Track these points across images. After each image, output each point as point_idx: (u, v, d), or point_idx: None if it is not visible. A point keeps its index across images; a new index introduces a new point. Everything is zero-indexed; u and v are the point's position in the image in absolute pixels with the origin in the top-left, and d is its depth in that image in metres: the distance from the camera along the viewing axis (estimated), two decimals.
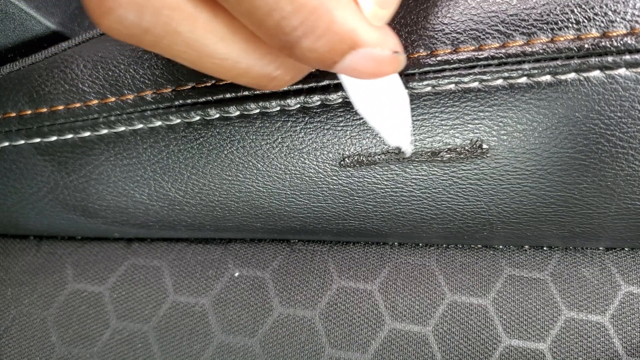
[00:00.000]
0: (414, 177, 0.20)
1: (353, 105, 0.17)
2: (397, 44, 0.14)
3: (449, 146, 0.19)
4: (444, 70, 0.17)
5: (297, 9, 0.12)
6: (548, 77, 0.17)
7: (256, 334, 0.25)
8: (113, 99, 0.20)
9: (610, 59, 0.16)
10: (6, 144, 0.22)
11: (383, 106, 0.16)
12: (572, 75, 0.16)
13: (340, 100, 0.18)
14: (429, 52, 0.17)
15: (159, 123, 0.20)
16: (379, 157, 0.19)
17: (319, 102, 0.18)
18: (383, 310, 0.24)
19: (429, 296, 0.24)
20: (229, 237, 0.26)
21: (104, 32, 0.13)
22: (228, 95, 0.19)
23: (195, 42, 0.13)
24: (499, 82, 0.17)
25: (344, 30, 0.13)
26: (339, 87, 0.18)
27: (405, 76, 0.17)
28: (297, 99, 0.18)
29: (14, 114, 0.21)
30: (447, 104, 0.18)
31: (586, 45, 0.16)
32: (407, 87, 0.18)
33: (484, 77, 0.17)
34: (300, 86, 0.18)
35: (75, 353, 0.25)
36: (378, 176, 0.20)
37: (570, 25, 0.16)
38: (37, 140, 0.22)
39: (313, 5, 0.12)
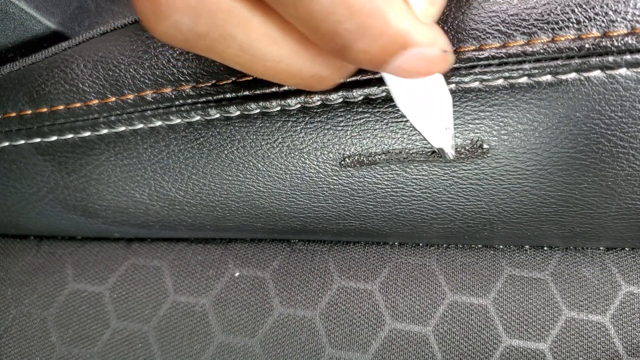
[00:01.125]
0: (414, 177, 0.20)
1: (397, 104, 0.17)
2: (447, 42, 0.14)
3: None
4: None
5: (354, 13, 0.12)
6: (549, 77, 0.17)
7: (256, 334, 0.25)
8: (113, 99, 0.20)
9: (611, 58, 0.16)
10: (6, 143, 0.22)
11: (426, 107, 0.16)
12: (573, 75, 0.16)
13: (340, 100, 0.18)
14: None
15: (159, 123, 0.20)
16: (380, 157, 0.19)
17: (319, 102, 0.18)
18: (383, 310, 0.24)
19: (430, 296, 0.24)
20: (229, 237, 0.26)
21: (158, 38, 0.13)
22: (228, 96, 0.19)
23: (249, 46, 0.13)
24: (500, 82, 0.17)
25: (397, 31, 0.13)
26: (339, 87, 0.18)
27: None
28: (298, 98, 0.18)
29: (14, 114, 0.21)
30: None
31: (587, 45, 0.16)
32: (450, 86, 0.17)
33: (485, 77, 0.17)
34: None
35: (75, 353, 0.25)
36: (378, 176, 0.20)
37: (571, 25, 0.16)
38: (37, 140, 0.22)
39: (369, 8, 0.12)
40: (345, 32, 0.12)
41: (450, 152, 0.18)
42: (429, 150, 0.19)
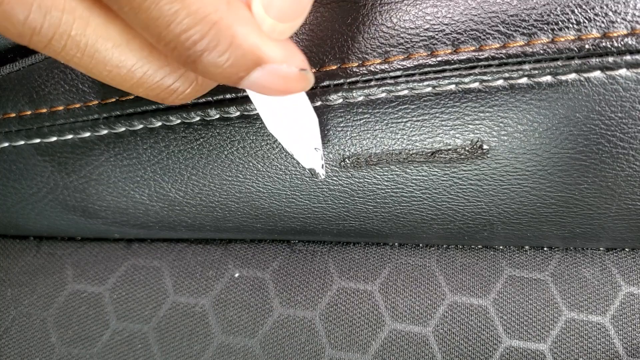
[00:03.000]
0: (414, 177, 0.20)
1: (265, 125, 0.17)
2: (304, 61, 0.14)
3: (449, 147, 0.19)
4: (444, 70, 0.17)
5: (197, 23, 0.12)
6: (549, 78, 0.17)
7: (256, 335, 0.25)
8: (113, 100, 0.20)
9: (610, 59, 0.16)
10: (6, 144, 0.22)
11: (292, 127, 0.16)
12: (573, 75, 0.16)
13: (340, 100, 0.18)
14: (429, 53, 0.17)
15: (159, 123, 0.20)
16: (379, 157, 0.19)
17: (319, 103, 0.18)
18: (383, 311, 0.24)
19: (430, 297, 0.24)
20: (229, 237, 0.26)
21: None
22: (228, 96, 0.19)
23: (88, 47, 0.13)
24: (500, 82, 0.17)
25: (246, 45, 0.12)
26: (338, 88, 0.18)
27: (406, 76, 0.17)
28: None
29: (13, 115, 0.21)
30: (448, 105, 0.18)
31: (587, 46, 0.16)
32: (316, 109, 0.18)
33: (485, 78, 0.17)
34: None
35: (75, 354, 0.25)
36: (378, 177, 0.20)
37: (570, 25, 0.16)
38: (37, 140, 0.22)
39: (213, 19, 0.12)
40: (190, 43, 0.12)
41: (321, 172, 0.18)
42: (429, 150, 0.19)
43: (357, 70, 0.18)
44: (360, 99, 0.18)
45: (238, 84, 0.13)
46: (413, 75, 0.17)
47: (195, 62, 0.12)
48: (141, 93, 0.15)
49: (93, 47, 0.13)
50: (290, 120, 0.16)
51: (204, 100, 0.19)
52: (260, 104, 0.16)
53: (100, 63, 0.13)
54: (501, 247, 0.25)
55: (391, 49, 0.17)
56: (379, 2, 0.18)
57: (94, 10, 0.13)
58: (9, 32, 0.12)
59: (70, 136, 0.21)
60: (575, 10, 0.16)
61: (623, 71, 0.16)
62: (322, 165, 0.18)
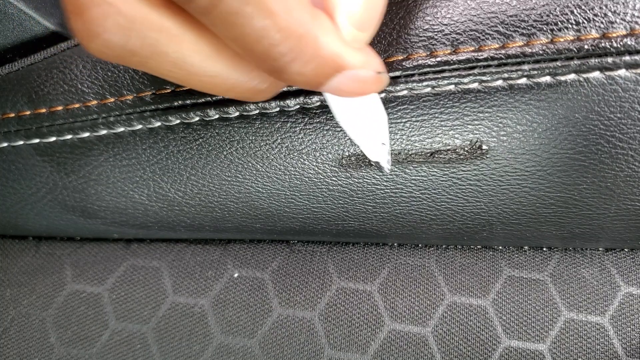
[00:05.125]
0: (413, 177, 0.20)
1: (336, 119, 0.17)
2: (381, 64, 0.15)
3: (448, 147, 0.19)
4: (443, 71, 0.17)
5: (286, 37, 0.12)
6: (548, 78, 0.17)
7: (255, 335, 0.25)
8: (112, 100, 0.20)
9: (610, 60, 0.16)
10: (5, 144, 0.22)
11: (363, 123, 0.17)
12: (572, 76, 0.16)
13: None
14: (428, 53, 0.17)
15: (158, 124, 0.20)
16: None
17: (318, 103, 0.18)
18: (382, 311, 0.24)
19: (429, 297, 0.24)
20: (228, 237, 0.26)
21: (92, 54, 0.13)
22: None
23: (182, 62, 0.14)
24: (499, 83, 0.17)
25: (329, 55, 0.13)
26: None
27: (405, 77, 0.17)
28: (297, 99, 0.18)
29: (12, 115, 0.21)
30: (447, 105, 0.18)
31: (586, 46, 0.16)
32: (385, 108, 0.18)
33: (484, 78, 0.17)
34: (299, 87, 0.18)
35: (74, 354, 0.25)
36: (377, 177, 0.20)
37: (570, 26, 0.16)
38: (36, 140, 0.22)
39: (300, 32, 0.12)
40: (279, 55, 0.13)
41: (386, 166, 0.19)
42: (428, 151, 0.19)
43: None
44: None
45: (318, 89, 0.14)
46: (412, 75, 0.17)
47: (282, 72, 0.13)
48: (231, 96, 0.16)
49: (187, 61, 0.14)
50: (361, 115, 0.17)
51: (203, 100, 0.19)
52: (333, 100, 0.17)
53: (194, 75, 0.14)
54: (500, 248, 0.25)
55: (390, 49, 0.17)
56: None
57: (186, 27, 0.13)
58: (108, 56, 0.13)
59: (69, 136, 0.21)
60: (575, 11, 0.16)
61: (622, 72, 0.16)
62: (388, 160, 0.19)
